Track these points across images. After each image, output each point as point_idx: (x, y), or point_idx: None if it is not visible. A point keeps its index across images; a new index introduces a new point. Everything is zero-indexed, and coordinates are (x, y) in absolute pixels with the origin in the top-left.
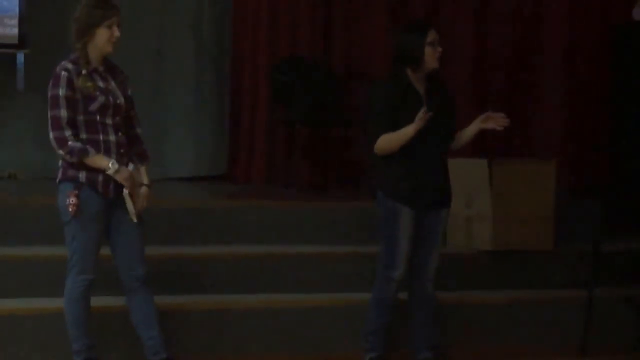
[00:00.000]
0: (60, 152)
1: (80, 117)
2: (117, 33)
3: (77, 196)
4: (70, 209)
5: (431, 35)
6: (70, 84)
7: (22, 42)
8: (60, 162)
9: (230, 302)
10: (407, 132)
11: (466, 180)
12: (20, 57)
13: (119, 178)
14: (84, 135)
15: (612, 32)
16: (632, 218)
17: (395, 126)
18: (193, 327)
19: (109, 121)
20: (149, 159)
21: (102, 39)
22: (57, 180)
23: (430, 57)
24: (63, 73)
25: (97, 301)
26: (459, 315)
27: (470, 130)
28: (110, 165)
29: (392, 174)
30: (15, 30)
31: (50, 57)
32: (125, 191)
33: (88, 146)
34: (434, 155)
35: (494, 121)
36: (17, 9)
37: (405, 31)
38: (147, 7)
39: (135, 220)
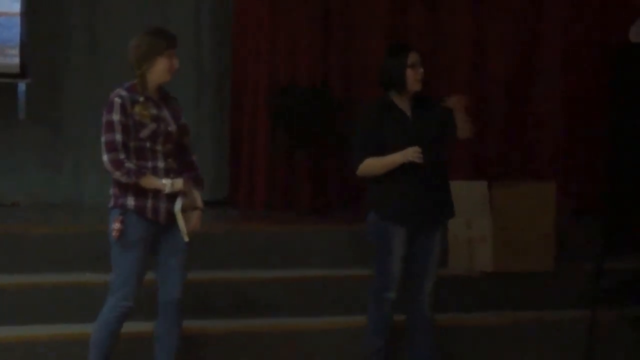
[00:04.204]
0: (117, 173)
1: (131, 144)
2: (176, 63)
3: (122, 222)
4: (113, 233)
5: (412, 58)
6: (123, 110)
7: (23, 71)
8: (110, 190)
9: (234, 326)
10: (395, 159)
11: (466, 202)
12: (22, 86)
13: (177, 187)
14: (133, 161)
15: (609, 53)
16: (632, 237)
17: (379, 147)
18: (198, 351)
19: (159, 148)
20: (203, 184)
21: (162, 68)
22: (109, 208)
23: (412, 79)
24: (116, 100)
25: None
26: (460, 338)
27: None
28: (164, 183)
29: (383, 192)
30: (17, 60)
31: (51, 87)
32: (177, 208)
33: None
34: (427, 173)
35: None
36: (18, 39)
37: (387, 55)
38: None
39: (186, 239)
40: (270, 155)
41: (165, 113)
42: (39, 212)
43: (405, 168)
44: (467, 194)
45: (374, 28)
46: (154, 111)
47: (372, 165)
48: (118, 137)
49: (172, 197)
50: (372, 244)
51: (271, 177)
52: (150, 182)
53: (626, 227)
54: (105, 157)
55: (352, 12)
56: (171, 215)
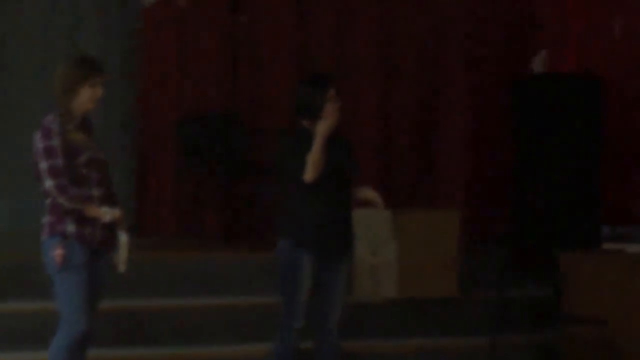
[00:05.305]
0: (62, 199)
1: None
2: (99, 92)
3: (64, 247)
4: (57, 260)
5: (331, 91)
6: (60, 136)
7: None
8: (45, 219)
9: (139, 355)
10: (321, 136)
11: (371, 229)
12: None
13: (116, 215)
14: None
15: (513, 84)
16: (534, 265)
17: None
18: None
19: (93, 175)
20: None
21: (85, 98)
22: (44, 238)
23: (330, 112)
24: (53, 126)
25: None
26: None
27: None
28: (104, 211)
29: (293, 221)
30: None
31: None
32: (124, 239)
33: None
34: (336, 202)
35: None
36: None
37: (306, 85)
38: (54, 63)
39: (123, 269)
40: (179, 184)
41: (93, 141)
42: None
43: (315, 197)
44: (373, 222)
45: (282, 58)
46: (85, 139)
47: (310, 160)
48: (60, 162)
49: (106, 225)
50: (281, 271)
51: (179, 205)
52: (93, 209)
53: (529, 254)
54: (49, 183)
55: (260, 41)
56: (104, 243)
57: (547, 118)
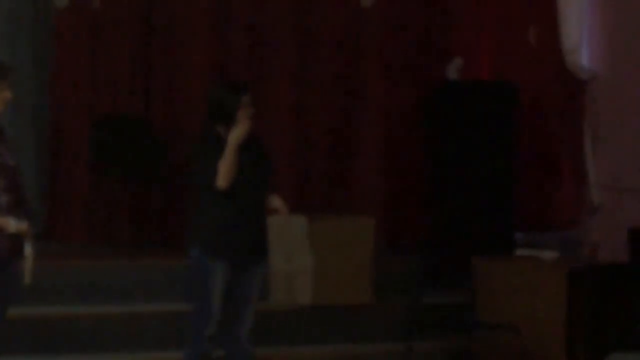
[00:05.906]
0: None
1: None
2: (7, 96)
3: None
4: None
5: (246, 97)
6: None
7: None
8: None
9: None
10: (232, 146)
11: (286, 236)
12: None
13: (21, 229)
14: None
15: (428, 91)
16: (449, 272)
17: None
18: None
19: (0, 182)
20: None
21: None
22: None
23: (243, 118)
24: None
25: None
26: None
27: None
28: (11, 223)
29: (206, 228)
30: None
31: None
32: (29, 251)
33: None
34: (250, 209)
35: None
36: None
37: (221, 90)
38: None
39: (29, 281)
40: (91, 189)
41: (2, 147)
42: None
43: (230, 204)
44: (287, 229)
45: (198, 63)
46: None
47: (222, 168)
48: None
49: (13, 235)
50: (192, 278)
51: (92, 212)
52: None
53: (444, 261)
54: None
55: (176, 46)
56: (13, 252)
57: (463, 125)
